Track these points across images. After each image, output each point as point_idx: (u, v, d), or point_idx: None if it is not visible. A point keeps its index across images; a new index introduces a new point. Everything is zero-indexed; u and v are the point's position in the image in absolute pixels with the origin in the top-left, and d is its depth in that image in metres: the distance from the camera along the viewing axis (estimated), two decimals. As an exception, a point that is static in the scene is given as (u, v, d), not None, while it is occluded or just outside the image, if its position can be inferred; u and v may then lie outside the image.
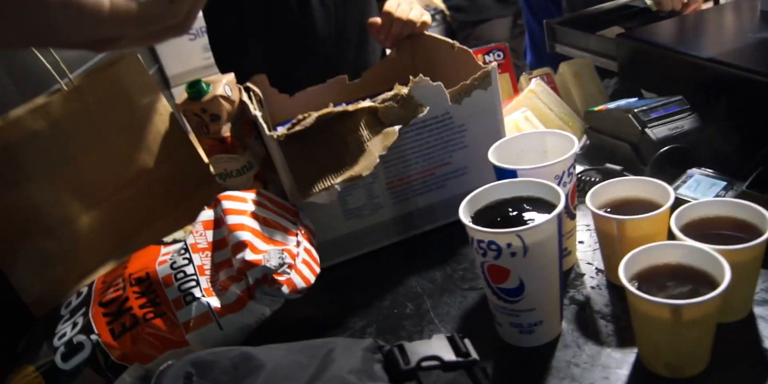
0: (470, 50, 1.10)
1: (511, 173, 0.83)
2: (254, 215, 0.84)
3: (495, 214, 0.77)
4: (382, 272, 1.02)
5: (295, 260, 0.80)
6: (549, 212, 0.73)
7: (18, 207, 0.94)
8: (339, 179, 0.90)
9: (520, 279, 0.72)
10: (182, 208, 1.10)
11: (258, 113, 1.00)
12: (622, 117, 1.09)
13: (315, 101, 1.32)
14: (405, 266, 1.01)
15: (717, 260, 0.68)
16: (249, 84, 1.21)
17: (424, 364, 0.56)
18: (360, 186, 1.00)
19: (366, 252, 1.06)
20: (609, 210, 0.84)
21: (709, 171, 0.96)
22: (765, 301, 0.78)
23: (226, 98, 1.07)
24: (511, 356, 0.80)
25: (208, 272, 0.81)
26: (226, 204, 0.85)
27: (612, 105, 1.19)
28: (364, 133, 0.93)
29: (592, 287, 0.87)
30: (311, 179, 0.91)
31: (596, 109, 1.20)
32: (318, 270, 0.84)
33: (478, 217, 0.77)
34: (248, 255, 0.77)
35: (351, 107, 0.92)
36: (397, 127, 0.93)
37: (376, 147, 0.92)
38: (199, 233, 0.84)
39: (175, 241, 0.87)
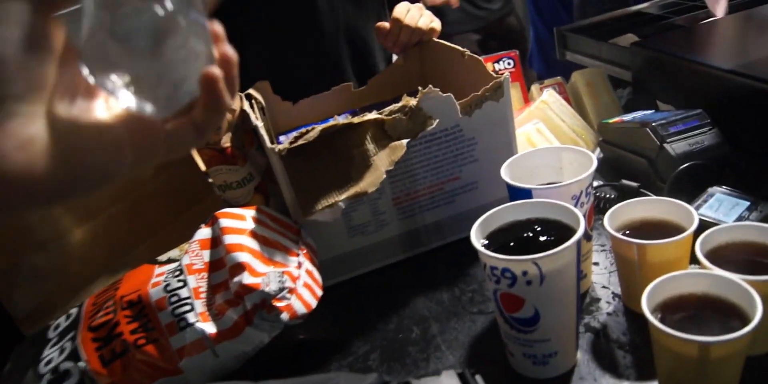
0: (481, 58, 1.05)
1: (526, 193, 0.78)
2: (253, 234, 0.80)
3: (508, 238, 0.72)
4: (386, 292, 0.97)
5: (296, 283, 0.76)
6: (566, 236, 0.69)
7: (8, 221, 0.90)
8: (343, 196, 0.86)
9: (536, 308, 0.68)
10: (179, 221, 1.06)
11: (259, 123, 0.96)
12: (638, 131, 1.05)
13: (319, 109, 1.28)
14: (411, 286, 0.96)
15: (747, 292, 0.63)
16: (251, 91, 1.17)
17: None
18: (365, 202, 0.95)
19: (370, 270, 1.02)
20: (627, 232, 0.80)
21: (731, 189, 0.91)
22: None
23: (227, 107, 1.03)
24: (523, 388, 0.75)
25: (203, 295, 0.76)
26: (224, 222, 0.81)
27: (627, 117, 1.14)
28: (370, 146, 0.89)
29: (609, 313, 0.83)
30: (314, 196, 0.87)
31: (611, 121, 1.15)
32: (320, 293, 0.80)
33: (491, 241, 0.72)
34: (246, 278, 0.73)
35: (357, 119, 0.88)
36: (405, 141, 0.89)
37: (382, 161, 0.88)
38: (195, 253, 0.80)
39: (170, 260, 0.83)
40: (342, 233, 0.97)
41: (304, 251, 0.84)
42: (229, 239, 0.78)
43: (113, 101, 0.44)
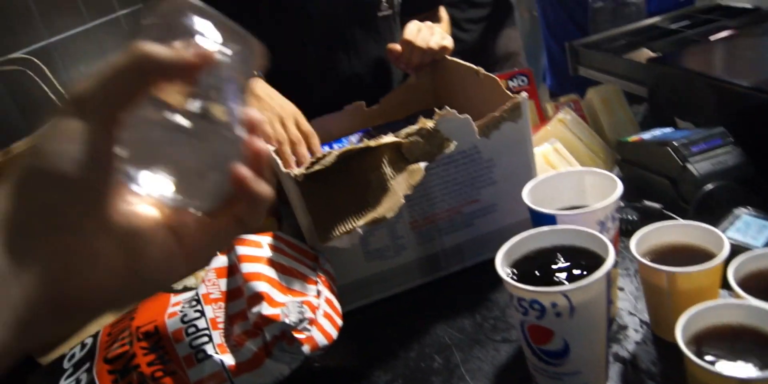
0: (497, 78, 1.03)
1: (550, 219, 0.76)
2: (271, 262, 0.78)
3: (533, 266, 0.70)
4: (406, 318, 0.95)
5: (316, 314, 0.74)
6: (594, 265, 0.67)
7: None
8: (361, 222, 0.84)
9: (565, 341, 0.65)
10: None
11: (271, 147, 0.94)
12: (659, 150, 1.03)
13: (331, 129, 1.26)
14: (431, 312, 0.94)
15: (785, 323, 0.61)
16: (263, 112, 1.15)
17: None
18: (382, 226, 0.93)
19: (388, 296, 1.00)
20: (653, 258, 0.77)
21: (758, 211, 0.89)
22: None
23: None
24: (551, 420, 0.73)
25: (221, 326, 0.74)
26: (241, 250, 0.79)
27: (647, 135, 1.12)
28: (388, 170, 0.87)
29: (637, 342, 0.80)
30: (332, 222, 0.85)
31: (629, 139, 1.13)
32: (340, 323, 0.78)
33: (516, 269, 0.70)
34: (265, 309, 0.71)
35: (373, 143, 0.86)
36: (422, 164, 0.87)
37: (400, 186, 0.86)
38: (211, 282, 0.78)
39: (185, 289, 0.81)
40: (359, 258, 0.95)
41: (323, 279, 0.82)
42: (246, 268, 0.76)
43: (159, 208, 0.45)
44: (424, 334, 0.90)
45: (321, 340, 0.73)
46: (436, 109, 0.88)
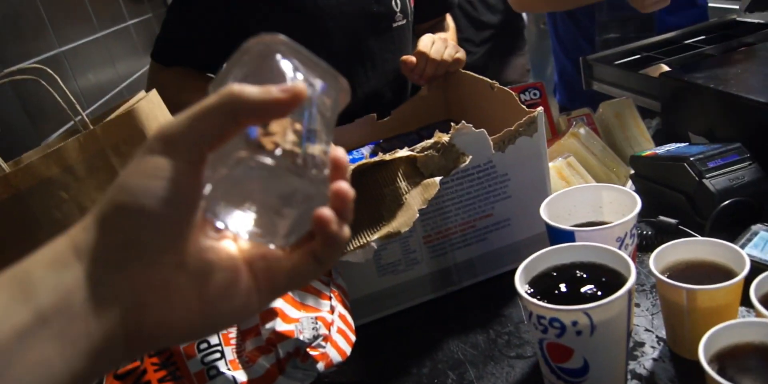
0: (512, 92, 1.02)
1: (568, 235, 0.75)
2: (284, 277, 0.77)
3: (552, 283, 0.69)
4: (418, 333, 0.94)
5: (330, 330, 0.73)
6: (614, 282, 0.66)
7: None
8: (375, 236, 0.83)
9: (585, 359, 0.64)
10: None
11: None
12: (675, 165, 1.02)
13: (342, 141, 1.25)
14: (443, 327, 0.93)
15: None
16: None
17: None
18: (395, 240, 0.92)
19: (400, 310, 0.99)
20: (671, 274, 0.76)
21: (776, 227, 0.88)
22: None
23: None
24: (568, 440, 0.71)
25: (233, 341, 0.73)
26: (254, 264, 0.78)
27: (661, 150, 1.11)
28: (402, 184, 0.86)
29: (655, 359, 0.79)
30: (345, 236, 0.84)
31: (644, 154, 1.12)
32: (354, 339, 0.77)
33: (534, 287, 0.69)
34: (279, 325, 0.70)
35: (388, 157, 0.85)
36: (437, 178, 0.86)
37: (415, 200, 0.85)
38: (223, 297, 0.77)
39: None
40: (372, 272, 0.94)
41: (336, 294, 0.81)
42: (259, 283, 0.75)
43: (238, 243, 0.46)
44: (437, 349, 0.89)
45: (335, 356, 0.71)
46: (452, 124, 0.87)
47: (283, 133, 0.42)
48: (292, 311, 0.73)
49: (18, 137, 1.24)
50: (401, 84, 1.51)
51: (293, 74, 0.44)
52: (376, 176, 0.86)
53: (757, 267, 0.79)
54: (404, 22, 1.45)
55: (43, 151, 0.89)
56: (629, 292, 0.63)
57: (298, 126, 0.43)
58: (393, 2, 1.41)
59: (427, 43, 1.25)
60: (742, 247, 0.86)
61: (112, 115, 0.94)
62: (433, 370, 0.85)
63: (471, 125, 0.88)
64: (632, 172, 1.15)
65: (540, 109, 0.93)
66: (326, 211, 0.42)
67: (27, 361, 0.36)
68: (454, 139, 0.88)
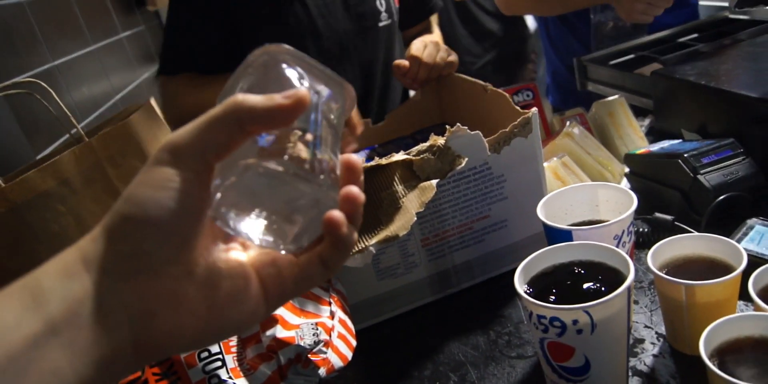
0: (506, 93, 1.03)
1: (566, 234, 0.75)
2: (283, 283, 0.77)
3: (551, 283, 0.69)
4: (418, 336, 0.94)
5: (331, 335, 0.73)
6: (613, 280, 0.66)
7: (26, 271, 0.87)
8: (374, 240, 0.83)
9: (586, 357, 0.64)
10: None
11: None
12: (670, 162, 1.02)
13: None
14: (443, 329, 0.93)
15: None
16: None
17: None
18: (393, 244, 0.92)
19: (400, 313, 0.99)
20: (669, 271, 0.77)
21: (771, 221, 0.88)
22: None
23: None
24: (572, 439, 0.71)
25: (234, 349, 0.73)
26: (252, 271, 0.78)
27: (655, 148, 1.12)
28: (399, 188, 0.86)
29: (655, 355, 0.79)
30: (343, 241, 0.84)
31: (638, 152, 1.13)
32: (354, 343, 0.77)
33: (533, 286, 0.69)
34: (279, 332, 0.70)
35: (384, 161, 0.85)
36: (434, 181, 0.86)
37: (412, 203, 0.85)
38: (223, 305, 0.77)
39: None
40: (370, 276, 0.94)
41: (336, 299, 0.81)
42: (258, 290, 0.75)
43: (247, 249, 0.47)
44: (437, 351, 0.89)
45: (336, 361, 0.71)
46: (447, 126, 0.88)
47: (291, 140, 0.42)
48: (292, 318, 0.73)
49: (13, 151, 1.24)
50: (388, 84, 1.52)
51: (298, 83, 0.45)
52: (373, 180, 0.86)
53: (754, 261, 0.79)
54: (389, 21, 1.45)
55: (39, 164, 0.89)
56: (629, 290, 0.63)
57: (305, 133, 0.43)
58: (377, 1, 1.42)
59: (420, 47, 1.26)
60: (739, 241, 0.86)
61: (107, 128, 0.94)
62: (435, 373, 0.85)
63: (466, 128, 0.88)
64: (627, 170, 1.15)
65: (534, 109, 0.93)
66: (337, 214, 0.42)
67: (38, 370, 0.36)
68: (450, 141, 0.88)
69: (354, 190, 0.44)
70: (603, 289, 0.66)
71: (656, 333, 0.83)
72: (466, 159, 0.88)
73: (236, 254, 0.46)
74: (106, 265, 0.39)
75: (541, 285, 0.69)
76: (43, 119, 1.26)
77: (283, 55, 0.46)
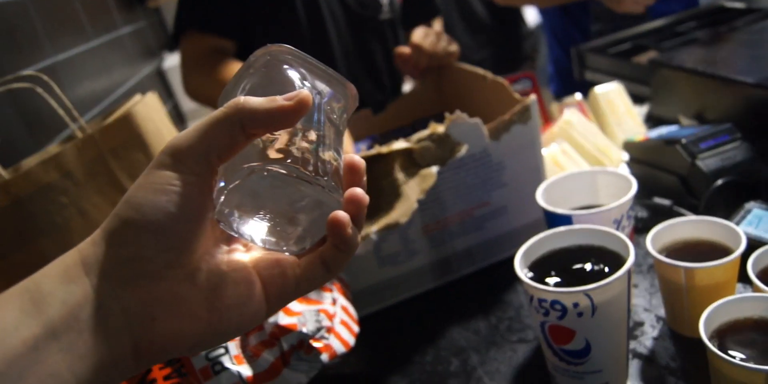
0: (505, 82, 1.03)
1: (566, 219, 0.76)
2: (285, 271, 0.78)
3: (552, 266, 0.70)
4: (420, 322, 0.95)
5: (333, 321, 0.74)
6: (613, 263, 0.67)
7: (30, 264, 0.87)
8: (375, 228, 0.84)
9: (587, 340, 0.65)
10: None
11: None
12: (668, 148, 1.03)
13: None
14: (444, 315, 0.94)
15: (807, 315, 0.61)
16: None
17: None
18: (394, 231, 0.93)
19: (401, 300, 0.99)
20: (668, 254, 0.77)
21: (768, 204, 0.89)
22: None
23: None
24: (573, 421, 0.72)
25: (237, 337, 0.74)
26: (255, 259, 0.79)
27: (653, 134, 1.12)
28: (399, 176, 0.87)
29: (655, 338, 0.80)
30: (345, 228, 0.85)
31: (636, 139, 1.13)
32: (357, 330, 0.78)
33: (534, 270, 0.70)
34: (282, 319, 0.71)
35: (385, 149, 0.86)
36: (434, 169, 0.87)
37: (413, 190, 0.86)
38: (226, 293, 0.78)
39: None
40: (372, 264, 0.94)
41: (338, 286, 0.82)
42: (261, 277, 0.76)
43: (249, 251, 0.46)
44: (439, 337, 0.90)
45: (339, 347, 0.72)
46: (447, 114, 0.88)
47: (294, 142, 0.42)
48: (294, 305, 0.73)
49: (16, 146, 1.25)
50: (389, 77, 1.52)
51: (300, 83, 0.45)
52: (374, 168, 0.87)
53: (752, 244, 0.79)
54: (391, 16, 1.46)
55: (41, 157, 0.90)
56: (629, 272, 0.64)
57: (307, 133, 0.43)
58: None
59: (421, 35, 1.26)
60: (737, 225, 0.87)
61: (109, 120, 0.95)
62: (436, 358, 0.86)
63: (465, 115, 0.89)
64: (625, 156, 1.16)
65: (533, 96, 0.93)
66: (343, 214, 0.42)
67: (37, 374, 0.37)
68: (450, 129, 0.88)
69: (358, 191, 0.44)
70: (603, 272, 0.66)
71: (656, 316, 0.83)
72: (466, 146, 0.89)
73: (239, 256, 0.46)
74: (106, 269, 0.39)
75: (541, 269, 0.70)
76: (45, 113, 1.27)
77: (284, 56, 0.46)
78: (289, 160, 0.41)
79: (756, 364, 0.57)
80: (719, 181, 0.94)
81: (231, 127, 0.40)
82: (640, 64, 1.36)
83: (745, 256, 0.72)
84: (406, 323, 0.96)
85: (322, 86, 0.46)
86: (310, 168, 0.42)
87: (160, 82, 2.59)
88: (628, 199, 0.76)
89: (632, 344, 0.79)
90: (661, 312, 0.83)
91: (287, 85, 0.44)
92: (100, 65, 1.93)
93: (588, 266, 0.68)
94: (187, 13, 1.43)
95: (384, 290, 0.97)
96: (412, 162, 0.88)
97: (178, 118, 2.71)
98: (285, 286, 0.45)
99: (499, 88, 1.04)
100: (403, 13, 1.54)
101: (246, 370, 0.71)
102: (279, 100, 0.41)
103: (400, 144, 0.87)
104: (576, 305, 0.62)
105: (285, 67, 0.46)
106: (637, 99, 1.37)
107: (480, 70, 1.12)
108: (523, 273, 0.68)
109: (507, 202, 0.99)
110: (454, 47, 1.28)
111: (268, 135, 0.43)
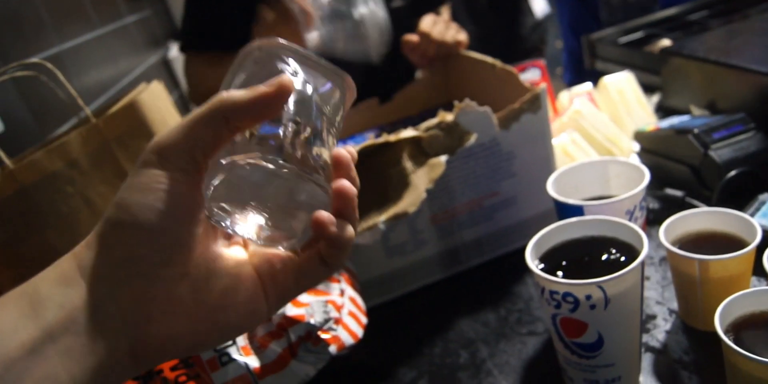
0: (514, 70, 1.02)
1: (577, 210, 0.75)
2: (293, 261, 0.77)
3: (563, 258, 0.69)
4: (428, 314, 0.94)
5: (341, 312, 0.73)
6: (626, 254, 0.66)
7: (36, 255, 0.87)
8: (383, 217, 0.82)
9: (599, 333, 0.64)
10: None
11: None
12: (680, 138, 1.01)
13: (346, 125, 1.25)
14: (453, 307, 0.93)
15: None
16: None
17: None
18: (403, 221, 0.92)
19: (409, 291, 0.98)
20: (681, 246, 0.76)
21: (784, 196, 0.88)
22: None
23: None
24: (584, 414, 0.71)
25: (245, 327, 0.73)
26: (262, 249, 0.78)
27: (664, 124, 1.11)
28: (408, 165, 0.86)
29: (667, 331, 0.79)
30: (352, 218, 0.83)
31: (647, 129, 1.12)
32: (365, 321, 0.77)
33: (545, 262, 0.69)
34: (289, 309, 0.70)
35: (393, 138, 0.85)
36: (443, 158, 0.86)
37: (421, 180, 0.85)
38: (233, 283, 0.77)
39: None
40: (380, 254, 0.93)
41: (345, 277, 0.81)
42: (268, 268, 0.75)
43: (245, 248, 0.46)
44: (447, 329, 0.89)
45: (347, 339, 0.71)
46: (456, 102, 0.87)
47: (284, 134, 0.42)
48: (302, 295, 0.72)
49: (22, 135, 1.24)
50: (400, 63, 1.51)
51: (293, 74, 0.44)
52: (382, 158, 0.86)
53: (766, 235, 0.78)
54: (402, 4, 1.44)
55: (46, 146, 0.89)
56: (642, 264, 0.63)
57: (297, 126, 0.42)
58: None
59: (429, 23, 1.25)
60: (751, 216, 0.85)
61: (114, 108, 0.93)
62: (445, 350, 0.85)
63: (475, 103, 0.87)
64: (636, 146, 1.15)
65: (543, 84, 0.92)
66: (323, 214, 0.42)
67: (35, 376, 0.37)
68: (459, 117, 0.87)
69: (345, 184, 0.43)
70: (616, 263, 0.65)
71: (668, 309, 0.82)
72: (475, 135, 0.88)
73: (237, 252, 0.46)
74: (100, 271, 0.39)
75: (552, 260, 0.69)
76: (51, 102, 1.26)
77: (276, 49, 0.45)
78: (280, 154, 0.40)
79: (773, 359, 0.56)
80: (732, 172, 0.93)
81: (215, 122, 0.40)
82: (652, 53, 1.34)
83: (760, 249, 0.71)
84: (415, 314, 0.95)
85: (315, 79, 0.45)
86: (299, 161, 0.41)
87: (165, 72, 2.58)
88: (641, 189, 0.75)
89: (644, 338, 0.78)
90: (674, 305, 0.82)
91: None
92: (106, 54, 1.92)
93: (601, 258, 0.67)
94: (190, 31, 1.43)
95: (392, 281, 0.96)
96: (421, 151, 0.86)
97: (184, 107, 2.70)
98: (284, 283, 0.45)
99: (508, 77, 1.02)
100: (411, 1, 1.53)
101: (253, 362, 0.70)
102: (260, 88, 0.40)
103: (408, 132, 0.85)
104: (589, 297, 0.61)
105: (276, 61, 0.45)
106: (648, 88, 1.36)
107: (489, 59, 1.10)
108: (534, 264, 0.67)
109: (517, 193, 0.97)
110: (462, 35, 1.27)
111: (257, 128, 0.42)
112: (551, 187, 0.81)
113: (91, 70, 1.75)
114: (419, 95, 1.32)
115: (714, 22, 1.40)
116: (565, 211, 0.77)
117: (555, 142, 1.08)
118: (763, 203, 0.88)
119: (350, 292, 0.79)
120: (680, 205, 0.97)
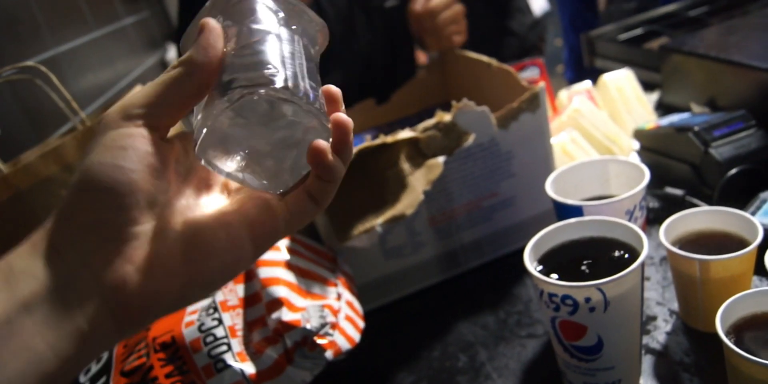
0: (511, 69, 1.01)
1: (576, 210, 0.74)
2: (289, 265, 0.76)
3: (562, 260, 0.68)
4: (427, 316, 0.93)
5: (338, 317, 0.72)
6: (626, 255, 0.65)
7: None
8: (380, 220, 0.82)
9: (599, 336, 0.63)
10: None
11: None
12: (680, 136, 1.00)
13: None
14: (452, 309, 0.92)
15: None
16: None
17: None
18: (400, 223, 0.91)
19: (408, 294, 0.97)
20: (682, 245, 0.75)
21: (785, 194, 0.86)
22: None
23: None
24: (585, 418, 0.70)
25: (240, 333, 0.72)
26: (257, 254, 0.77)
27: (664, 122, 1.10)
28: (405, 166, 0.85)
29: (668, 333, 0.78)
30: (350, 221, 0.83)
31: (647, 127, 1.11)
32: (362, 325, 0.76)
33: (544, 264, 0.68)
34: (285, 315, 0.69)
35: (390, 139, 0.84)
36: (441, 159, 0.85)
37: (419, 181, 0.84)
38: (228, 288, 0.76)
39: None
40: (378, 257, 0.92)
41: (342, 280, 0.80)
42: (264, 272, 0.74)
43: (228, 193, 0.46)
44: (446, 332, 0.88)
45: (344, 344, 0.70)
46: (454, 102, 0.86)
47: (272, 71, 0.41)
48: (298, 300, 0.72)
49: (17, 139, 1.23)
50: (394, 65, 1.50)
51: (261, 16, 0.44)
52: (379, 159, 0.85)
53: (768, 234, 0.77)
54: (397, 3, 1.43)
55: (42, 150, 0.88)
56: (642, 266, 0.62)
57: (286, 63, 0.42)
58: None
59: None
60: (752, 215, 0.84)
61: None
62: (444, 353, 0.84)
63: (473, 103, 0.86)
64: (636, 144, 1.14)
65: (542, 83, 0.91)
66: (322, 142, 0.41)
67: (11, 348, 0.36)
68: (456, 117, 0.86)
69: (342, 116, 0.43)
70: (616, 265, 0.64)
71: (669, 310, 0.81)
72: (473, 135, 0.87)
73: (216, 200, 0.45)
74: (70, 239, 0.39)
75: (551, 262, 0.68)
76: (46, 105, 1.25)
77: None
78: (272, 86, 0.40)
79: (776, 362, 0.55)
80: (733, 170, 0.92)
81: (180, 80, 0.40)
82: (651, 50, 1.33)
83: (761, 248, 0.70)
84: (413, 317, 0.94)
85: (288, 18, 0.45)
86: (301, 93, 0.41)
87: (164, 73, 2.57)
88: (641, 188, 0.74)
89: (645, 339, 0.77)
90: (675, 306, 0.81)
91: (247, 19, 0.43)
92: (103, 56, 1.91)
93: (600, 259, 0.66)
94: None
95: (389, 284, 0.95)
96: (418, 152, 0.86)
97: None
98: (274, 224, 0.44)
99: (506, 76, 1.01)
100: (405, 1, 1.52)
101: (249, 368, 0.69)
102: (201, 38, 0.41)
103: (405, 133, 0.84)
104: (588, 300, 0.60)
105: (250, 5, 0.44)
106: (647, 86, 1.35)
107: (485, 58, 1.09)
108: (532, 266, 0.66)
109: (516, 193, 0.96)
110: (458, 7, 1.27)
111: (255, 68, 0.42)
112: (550, 188, 0.80)
113: (88, 72, 1.74)
114: (417, 95, 1.31)
115: (714, 19, 1.38)
116: (564, 211, 0.76)
117: (554, 141, 1.07)
118: (764, 201, 0.87)
119: (347, 296, 0.78)
120: (680, 204, 0.96)
